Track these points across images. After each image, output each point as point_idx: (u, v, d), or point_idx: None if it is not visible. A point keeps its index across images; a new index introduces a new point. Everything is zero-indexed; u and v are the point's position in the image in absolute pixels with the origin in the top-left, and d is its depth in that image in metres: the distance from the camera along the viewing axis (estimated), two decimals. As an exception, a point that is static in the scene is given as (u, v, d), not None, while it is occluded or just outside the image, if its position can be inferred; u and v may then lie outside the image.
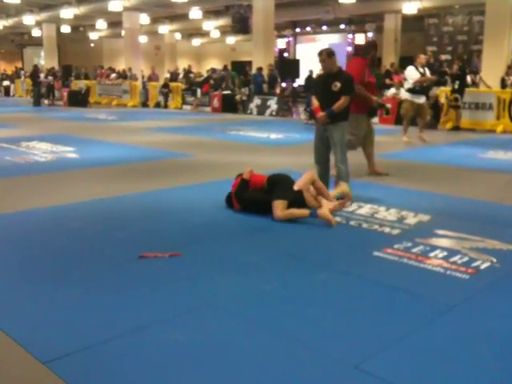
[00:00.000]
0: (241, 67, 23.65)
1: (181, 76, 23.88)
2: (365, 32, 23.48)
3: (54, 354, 2.70)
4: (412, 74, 10.77)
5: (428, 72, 11.16)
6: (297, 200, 5.32)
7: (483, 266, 3.99)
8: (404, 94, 11.21)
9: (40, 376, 2.55)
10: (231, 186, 5.62)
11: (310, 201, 5.42)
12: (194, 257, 4.16)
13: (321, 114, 6.01)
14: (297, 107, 17.05)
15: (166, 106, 21.35)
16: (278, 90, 18.77)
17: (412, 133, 10.92)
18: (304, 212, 5.21)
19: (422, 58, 11.25)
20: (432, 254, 4.22)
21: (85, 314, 3.19)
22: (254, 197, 5.45)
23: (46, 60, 30.20)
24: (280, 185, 5.40)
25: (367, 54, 7.15)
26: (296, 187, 5.39)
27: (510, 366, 2.66)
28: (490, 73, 14.92)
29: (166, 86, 21.80)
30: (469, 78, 15.19)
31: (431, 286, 3.65)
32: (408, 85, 10.88)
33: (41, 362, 2.63)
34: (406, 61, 20.51)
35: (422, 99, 10.84)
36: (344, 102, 5.95)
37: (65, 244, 4.48)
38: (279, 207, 5.20)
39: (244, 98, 19.03)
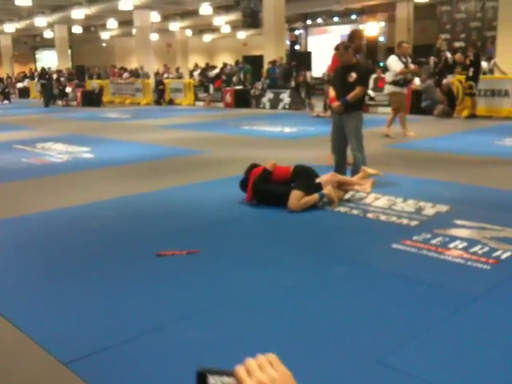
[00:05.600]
0: (252, 62, 23.56)
1: (196, 73, 23.73)
2: (377, 22, 23.25)
3: (75, 355, 2.70)
4: (395, 64, 9.91)
5: (410, 62, 10.30)
6: (317, 190, 5.41)
7: (504, 256, 3.93)
8: (389, 87, 10.22)
9: (61, 377, 2.56)
10: (250, 173, 5.60)
11: (340, 196, 5.53)
12: (213, 253, 4.16)
13: (336, 103, 6.17)
14: (310, 100, 16.93)
15: (160, 103, 21.45)
16: (293, 84, 18.62)
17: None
18: (314, 197, 5.29)
19: (406, 46, 10.33)
20: (452, 245, 4.17)
21: (106, 313, 3.21)
22: (275, 190, 5.42)
23: (58, 61, 30.37)
24: (304, 177, 5.46)
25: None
26: (318, 180, 5.50)
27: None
28: (505, 59, 14.68)
29: (160, 83, 21.92)
30: (485, 64, 14.94)
31: (452, 277, 3.61)
32: (390, 77, 10.05)
33: (62, 363, 2.64)
34: (419, 50, 20.36)
35: (405, 91, 10.31)
36: (359, 91, 6.08)
37: (84, 244, 4.51)
38: (297, 197, 5.23)
39: (257, 92, 18.98)
